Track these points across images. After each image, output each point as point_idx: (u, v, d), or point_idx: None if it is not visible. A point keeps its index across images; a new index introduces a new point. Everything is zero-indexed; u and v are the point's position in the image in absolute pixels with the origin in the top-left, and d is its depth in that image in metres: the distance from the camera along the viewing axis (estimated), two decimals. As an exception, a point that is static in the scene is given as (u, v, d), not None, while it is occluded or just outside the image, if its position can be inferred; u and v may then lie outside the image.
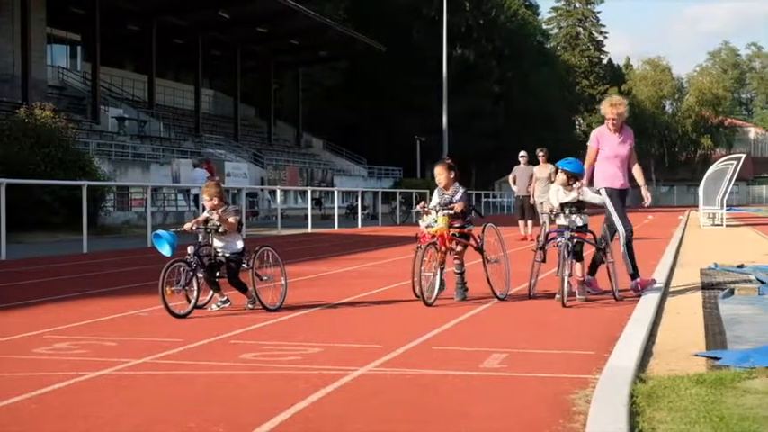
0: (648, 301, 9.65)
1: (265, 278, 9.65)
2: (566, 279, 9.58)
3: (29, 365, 6.60)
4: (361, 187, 51.47)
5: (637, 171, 11.20)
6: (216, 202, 9.53)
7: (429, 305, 9.60)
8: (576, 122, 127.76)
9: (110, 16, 47.60)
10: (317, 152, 71.75)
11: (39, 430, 4.88)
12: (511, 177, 23.81)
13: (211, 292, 9.56)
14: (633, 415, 5.01)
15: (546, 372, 6.29)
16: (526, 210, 22.97)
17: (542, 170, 21.77)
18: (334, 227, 33.81)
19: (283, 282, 9.85)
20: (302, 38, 60.42)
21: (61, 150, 29.34)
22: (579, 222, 10.16)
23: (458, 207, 10.00)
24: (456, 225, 10.06)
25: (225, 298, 9.56)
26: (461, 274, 10.34)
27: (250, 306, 9.59)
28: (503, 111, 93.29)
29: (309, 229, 31.44)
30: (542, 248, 10.24)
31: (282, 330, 8.26)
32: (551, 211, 10.25)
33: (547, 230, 10.64)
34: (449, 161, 10.59)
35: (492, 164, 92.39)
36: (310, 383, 5.92)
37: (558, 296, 9.79)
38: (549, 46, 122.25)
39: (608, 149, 10.94)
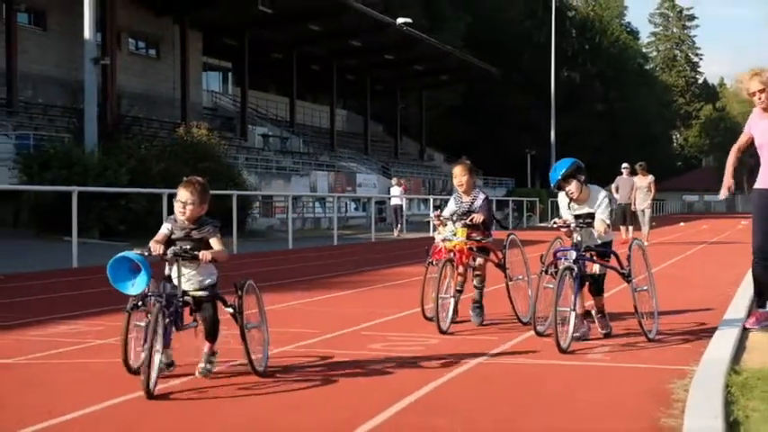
0: (743, 298, 9.37)
1: (250, 325, 5.82)
2: (572, 314, 6.66)
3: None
4: (478, 196, 51.21)
5: None
6: (192, 213, 5.83)
7: (444, 332, 7.42)
8: (674, 137, 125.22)
9: (257, 46, 48.35)
10: (437, 164, 71.70)
11: (160, 427, 4.96)
12: (614, 187, 23.60)
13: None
14: (728, 404, 4.89)
15: (647, 363, 6.19)
16: (627, 216, 22.95)
17: (642, 180, 22.59)
18: (453, 231, 33.65)
19: (265, 329, 5.99)
20: (425, 63, 60.52)
21: (214, 164, 29.96)
22: (597, 240, 7.11)
23: (477, 218, 7.83)
24: (475, 237, 7.85)
25: (214, 351, 5.69)
26: (481, 289, 8.06)
27: (206, 367, 5.58)
28: (606, 127, 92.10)
29: (431, 233, 31.42)
30: (547, 271, 7.02)
31: (406, 324, 8.23)
32: (563, 225, 7.03)
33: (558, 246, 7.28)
34: (468, 162, 8.48)
35: (596, 174, 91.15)
36: (432, 370, 5.93)
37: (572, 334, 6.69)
38: (648, 68, 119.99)
39: (757, 136, 7.60)
